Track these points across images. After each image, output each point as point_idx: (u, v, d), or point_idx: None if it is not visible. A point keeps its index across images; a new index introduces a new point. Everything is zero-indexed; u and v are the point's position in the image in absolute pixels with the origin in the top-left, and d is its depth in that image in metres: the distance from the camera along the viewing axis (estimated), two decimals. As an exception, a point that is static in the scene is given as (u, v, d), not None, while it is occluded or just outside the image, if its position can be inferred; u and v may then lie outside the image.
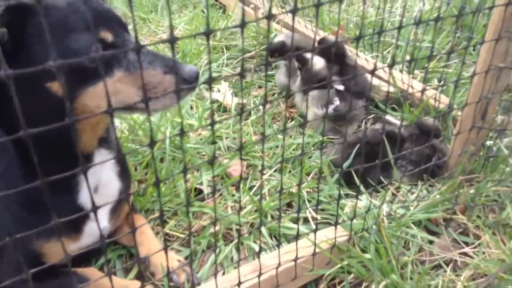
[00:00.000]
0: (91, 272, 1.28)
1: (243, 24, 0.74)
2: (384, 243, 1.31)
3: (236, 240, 1.43)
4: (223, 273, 1.36)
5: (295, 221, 1.50)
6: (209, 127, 1.88)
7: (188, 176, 1.69)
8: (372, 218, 1.37)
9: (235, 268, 1.29)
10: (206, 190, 1.64)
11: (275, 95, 2.33)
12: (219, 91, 2.29)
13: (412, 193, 1.56)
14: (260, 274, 1.16)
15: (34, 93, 1.03)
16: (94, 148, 1.21)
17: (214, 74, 2.47)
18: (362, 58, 2.28)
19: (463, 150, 1.45)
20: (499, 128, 1.45)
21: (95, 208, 0.75)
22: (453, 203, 1.44)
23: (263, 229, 1.47)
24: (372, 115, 2.12)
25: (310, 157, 1.80)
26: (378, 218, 1.35)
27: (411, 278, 1.27)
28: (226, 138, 1.94)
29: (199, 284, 1.27)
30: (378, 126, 1.90)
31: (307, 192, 1.62)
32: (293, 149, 1.87)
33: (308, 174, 1.73)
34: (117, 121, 1.86)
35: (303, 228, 1.43)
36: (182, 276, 1.31)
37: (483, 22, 2.56)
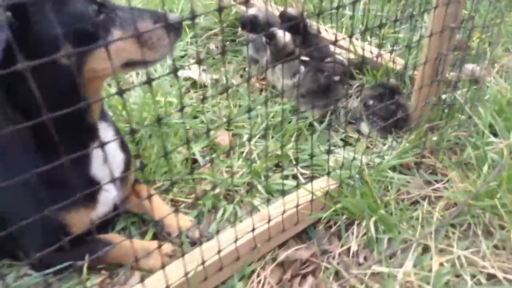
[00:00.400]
0: (113, 237, 1.37)
1: (220, 9, 0.86)
2: (368, 187, 1.49)
3: (237, 198, 1.57)
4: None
5: (285, 177, 1.66)
6: (194, 103, 2.01)
7: (180, 148, 1.80)
8: (354, 168, 1.55)
9: (240, 221, 1.44)
10: (201, 159, 1.75)
11: (246, 69, 2.46)
12: (190, 69, 2.39)
13: (384, 144, 1.77)
14: (269, 221, 1.31)
15: (44, 69, 1.10)
16: (97, 120, 1.29)
17: (181, 53, 2.56)
18: (322, 29, 2.45)
19: (426, 102, 1.66)
20: (455, 80, 1.66)
21: (113, 179, 0.85)
22: (422, 148, 1.65)
23: (260, 187, 1.61)
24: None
25: (289, 122, 1.96)
26: (361, 166, 1.54)
27: (395, 214, 1.47)
28: (207, 112, 2.05)
29: (212, 237, 1.39)
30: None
31: (292, 152, 1.78)
32: (272, 117, 2.01)
33: (290, 136, 1.88)
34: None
35: (294, 183, 1.59)
36: (196, 232, 1.43)
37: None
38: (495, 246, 1.38)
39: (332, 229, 1.50)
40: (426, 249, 1.39)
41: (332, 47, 2.18)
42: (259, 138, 1.89)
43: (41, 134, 1.16)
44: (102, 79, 1.24)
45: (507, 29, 2.63)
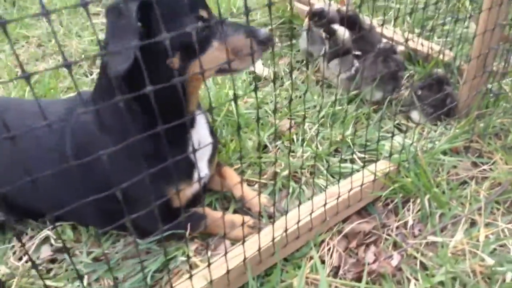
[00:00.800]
0: (206, 210, 1.64)
1: (270, 4, 0.99)
2: (422, 169, 1.70)
3: (303, 179, 1.82)
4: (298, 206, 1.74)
5: (344, 161, 1.89)
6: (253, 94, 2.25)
7: (251, 135, 2.05)
8: (408, 152, 1.76)
9: (308, 199, 1.68)
10: (269, 144, 2.01)
11: (301, 62, 2.68)
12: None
13: (435, 131, 1.97)
14: (338, 197, 1.55)
15: (157, 69, 1.30)
16: (195, 109, 1.55)
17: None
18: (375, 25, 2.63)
19: (476, 91, 1.84)
20: (502, 71, 1.84)
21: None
22: (470, 134, 1.84)
23: (323, 169, 1.85)
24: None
25: (346, 111, 2.18)
26: (416, 151, 1.74)
27: (446, 192, 1.68)
28: (270, 102, 2.29)
29: (286, 212, 1.64)
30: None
31: (350, 139, 2.00)
32: (330, 107, 2.23)
33: (347, 124, 2.10)
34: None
35: (351, 166, 1.82)
36: (271, 208, 1.69)
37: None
38: (536, 220, 1.58)
39: (389, 206, 1.72)
40: (473, 223, 1.60)
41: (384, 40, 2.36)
42: (318, 126, 2.11)
43: (153, 120, 1.42)
44: (201, 80, 1.49)
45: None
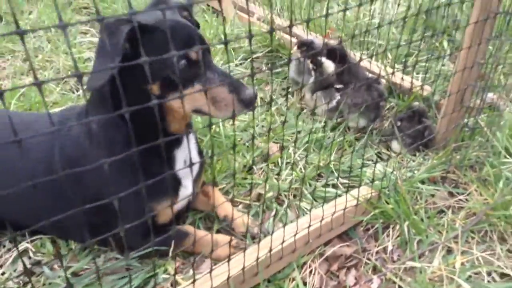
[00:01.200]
0: (189, 228, 1.65)
1: (250, 36, 1.01)
2: (402, 197, 1.76)
3: (287, 202, 1.85)
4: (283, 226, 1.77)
5: (327, 186, 1.94)
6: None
7: (236, 157, 2.09)
8: (389, 180, 1.82)
9: (291, 221, 1.71)
10: (254, 166, 2.04)
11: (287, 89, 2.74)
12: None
13: (414, 161, 2.04)
14: (322, 220, 1.59)
15: (136, 91, 1.31)
16: (182, 130, 1.57)
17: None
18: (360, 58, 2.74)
19: (455, 124, 1.93)
20: (478, 107, 1.94)
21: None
22: (447, 165, 1.92)
23: (307, 193, 1.89)
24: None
25: (328, 138, 2.24)
26: (396, 179, 1.81)
27: (424, 220, 1.74)
28: (256, 126, 2.34)
29: (268, 233, 1.66)
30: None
31: (333, 164, 2.05)
32: (315, 132, 2.29)
33: (330, 150, 2.16)
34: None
35: (334, 191, 1.87)
36: (255, 229, 1.71)
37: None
38: (508, 250, 1.65)
39: (370, 231, 1.77)
40: (449, 251, 1.66)
41: (368, 73, 2.46)
42: (303, 151, 2.16)
43: (137, 136, 1.44)
44: (178, 113, 1.49)
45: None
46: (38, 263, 1.65)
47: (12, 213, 1.64)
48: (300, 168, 2.04)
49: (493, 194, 1.78)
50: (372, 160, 2.12)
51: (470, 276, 1.54)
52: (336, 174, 1.99)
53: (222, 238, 1.65)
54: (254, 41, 3.01)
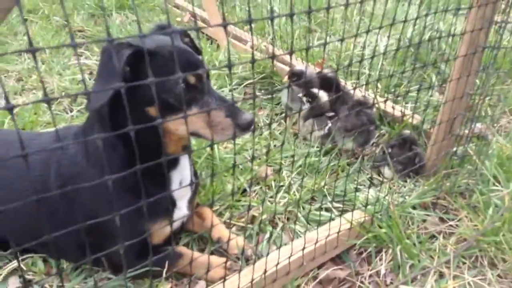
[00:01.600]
0: (183, 249, 1.65)
1: (253, 61, 1.03)
2: (394, 221, 1.79)
3: (281, 225, 1.86)
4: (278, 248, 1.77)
5: (320, 209, 1.96)
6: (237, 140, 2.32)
7: (229, 179, 2.10)
8: (381, 204, 1.85)
9: (285, 244, 1.72)
10: (248, 189, 2.06)
11: (280, 114, 2.79)
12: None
13: (405, 187, 2.08)
14: (316, 242, 1.60)
15: (135, 112, 1.32)
16: (179, 152, 1.59)
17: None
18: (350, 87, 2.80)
19: (445, 152, 1.98)
20: (467, 136, 1.99)
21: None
22: (438, 191, 1.96)
23: (300, 216, 1.90)
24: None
25: (321, 163, 2.27)
26: (388, 204, 1.83)
27: (416, 245, 1.76)
28: (250, 149, 2.36)
29: (262, 256, 1.67)
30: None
31: (326, 188, 2.08)
32: (306, 157, 2.32)
33: (323, 174, 2.19)
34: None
35: (327, 214, 1.89)
36: (249, 251, 1.71)
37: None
38: (499, 275, 1.68)
39: (363, 255, 1.78)
40: (441, 275, 1.68)
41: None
42: (295, 175, 2.19)
43: (133, 157, 1.45)
44: (175, 135, 1.51)
45: (504, 94, 3.00)
46: (29, 282, 1.62)
47: (5, 231, 1.63)
48: (294, 192, 2.06)
49: (483, 221, 1.82)
50: (365, 185, 2.15)
51: (461, 301, 1.56)
52: (329, 198, 2.01)
53: (216, 259, 1.65)
54: (248, 67, 3.07)
